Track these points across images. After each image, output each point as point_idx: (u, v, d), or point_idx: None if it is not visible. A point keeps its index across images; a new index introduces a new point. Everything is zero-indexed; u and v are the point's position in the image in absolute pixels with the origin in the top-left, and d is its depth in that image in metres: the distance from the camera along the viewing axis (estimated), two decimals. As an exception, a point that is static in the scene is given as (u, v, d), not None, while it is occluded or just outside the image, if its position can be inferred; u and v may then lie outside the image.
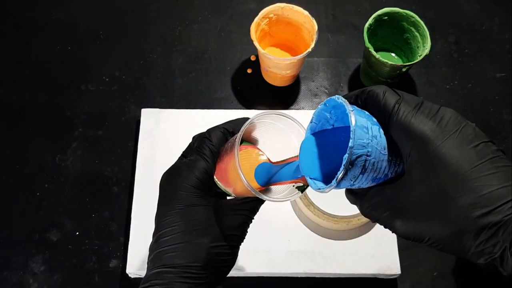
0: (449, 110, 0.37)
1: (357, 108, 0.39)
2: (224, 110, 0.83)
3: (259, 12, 0.80)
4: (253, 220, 0.48)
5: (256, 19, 0.80)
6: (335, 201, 0.67)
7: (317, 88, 0.89)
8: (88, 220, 0.78)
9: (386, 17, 0.82)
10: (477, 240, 0.34)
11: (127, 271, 0.72)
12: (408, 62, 0.83)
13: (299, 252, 0.73)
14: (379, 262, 0.72)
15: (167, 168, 0.49)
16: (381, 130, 0.39)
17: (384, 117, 0.39)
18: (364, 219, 0.70)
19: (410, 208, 0.37)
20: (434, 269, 0.76)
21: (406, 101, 0.38)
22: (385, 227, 0.40)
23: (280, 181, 0.46)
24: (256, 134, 0.48)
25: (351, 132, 0.36)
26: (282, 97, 0.88)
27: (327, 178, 0.41)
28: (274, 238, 0.73)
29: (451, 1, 0.97)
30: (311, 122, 0.43)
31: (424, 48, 0.79)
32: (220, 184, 0.47)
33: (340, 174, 0.36)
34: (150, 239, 0.47)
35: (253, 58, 0.91)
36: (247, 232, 0.47)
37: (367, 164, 0.37)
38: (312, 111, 0.43)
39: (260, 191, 0.43)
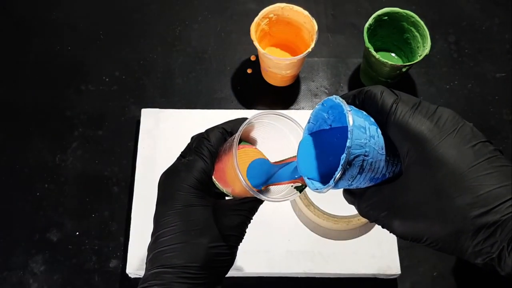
0: (447, 110, 0.37)
1: (354, 108, 0.39)
2: (224, 110, 0.83)
3: (259, 12, 0.80)
4: (252, 220, 0.48)
5: (256, 19, 0.80)
6: (335, 201, 0.67)
7: (317, 88, 0.89)
8: (88, 220, 0.78)
9: (386, 17, 0.82)
10: (475, 240, 0.34)
11: (127, 271, 0.72)
12: (408, 62, 0.83)
13: (299, 252, 0.72)
14: (379, 262, 0.72)
15: (167, 168, 0.49)
16: (378, 130, 0.39)
17: (381, 117, 0.39)
18: (364, 219, 0.70)
19: (408, 208, 0.37)
20: (434, 269, 0.76)
21: (404, 101, 0.38)
22: (383, 227, 0.40)
23: (279, 181, 0.46)
24: (254, 134, 0.48)
25: (349, 132, 0.36)
26: (282, 97, 0.88)
27: (325, 178, 0.41)
28: (274, 238, 0.73)
29: (451, 1, 0.97)
30: (308, 122, 0.43)
31: (424, 48, 0.79)
32: (219, 184, 0.47)
33: (338, 174, 0.36)
34: (149, 239, 0.47)
35: (253, 58, 0.91)
36: (245, 232, 0.47)
37: (364, 164, 0.37)
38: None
39: (258, 191, 0.43)
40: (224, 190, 0.48)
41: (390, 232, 0.39)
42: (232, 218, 0.46)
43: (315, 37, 0.78)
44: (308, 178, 0.41)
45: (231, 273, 0.72)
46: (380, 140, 0.38)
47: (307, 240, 0.73)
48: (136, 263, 0.71)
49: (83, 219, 0.78)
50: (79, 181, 0.80)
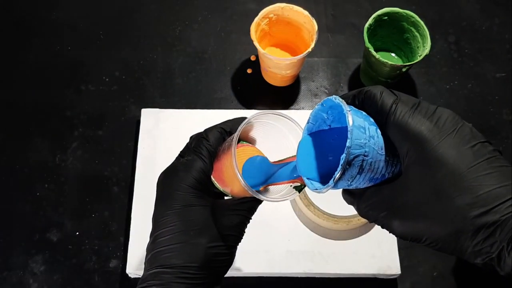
0: (446, 110, 0.37)
1: (354, 108, 0.39)
2: (224, 110, 0.83)
3: (259, 12, 0.80)
4: (252, 220, 0.48)
5: (256, 19, 0.80)
6: (335, 201, 0.67)
7: (317, 88, 0.89)
8: (88, 220, 0.78)
9: (386, 17, 0.82)
10: (475, 240, 0.34)
11: (127, 271, 0.72)
12: (408, 62, 0.83)
13: (299, 252, 0.72)
14: (379, 262, 0.72)
15: (165, 167, 0.49)
16: (378, 130, 0.39)
17: (381, 117, 0.39)
18: (364, 219, 0.70)
19: (408, 208, 0.37)
20: (434, 269, 0.76)
21: (403, 101, 0.38)
22: (382, 227, 0.40)
23: (278, 181, 0.46)
24: (253, 133, 0.48)
25: (349, 132, 0.36)
26: (282, 97, 0.88)
27: (324, 178, 0.41)
28: (274, 238, 0.73)
29: (451, 1, 0.97)
30: (308, 122, 0.43)
31: (424, 48, 0.79)
32: (218, 184, 0.47)
33: (337, 174, 0.36)
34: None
35: (253, 58, 0.91)
36: (244, 232, 0.47)
37: (364, 164, 0.37)
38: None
39: (257, 191, 0.43)
40: (223, 189, 0.48)
41: (390, 232, 0.39)
42: (231, 218, 0.46)
43: (315, 37, 0.78)
44: (308, 178, 0.41)
45: (231, 273, 0.72)
46: (380, 140, 0.38)
47: (307, 240, 0.73)
48: (136, 263, 0.71)
49: (83, 219, 0.78)
50: (79, 181, 0.80)
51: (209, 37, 0.93)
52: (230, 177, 0.45)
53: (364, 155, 0.37)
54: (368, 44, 0.79)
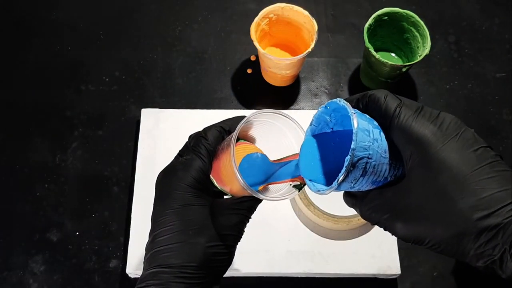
0: (449, 115, 0.38)
1: (358, 111, 0.39)
2: (224, 110, 0.83)
3: (259, 12, 0.80)
4: (252, 220, 0.48)
5: (256, 19, 0.80)
6: (335, 201, 0.67)
7: (317, 88, 0.89)
8: (88, 220, 0.78)
9: (386, 17, 0.82)
10: (477, 242, 0.34)
11: (127, 271, 0.72)
12: (408, 62, 0.83)
13: (299, 252, 0.73)
14: (379, 262, 0.72)
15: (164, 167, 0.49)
16: (382, 133, 0.39)
17: (385, 120, 0.39)
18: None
19: (410, 210, 0.37)
20: (434, 269, 0.76)
21: (407, 105, 0.39)
22: (385, 229, 0.40)
23: (278, 180, 0.46)
24: (253, 132, 0.48)
25: (354, 134, 0.36)
26: (282, 97, 0.88)
27: (326, 180, 0.41)
28: (274, 238, 0.73)
29: (451, 1, 0.97)
30: (310, 124, 0.43)
31: (424, 48, 0.79)
32: (217, 183, 0.47)
33: (341, 176, 0.37)
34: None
35: (253, 58, 0.91)
36: (244, 231, 0.47)
37: (368, 167, 0.37)
38: (312, 111, 0.43)
39: (256, 190, 0.43)
40: (222, 189, 0.47)
41: (392, 235, 0.39)
42: (230, 217, 0.46)
43: (315, 37, 0.78)
44: (310, 180, 0.42)
45: (231, 273, 0.72)
46: (383, 143, 0.38)
47: (307, 240, 0.73)
48: (136, 263, 0.71)
49: (83, 219, 0.78)
50: (79, 181, 0.80)
51: (209, 37, 0.93)
52: (229, 176, 0.45)
53: (368, 158, 0.37)
54: (368, 44, 0.79)
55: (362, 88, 0.88)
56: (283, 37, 0.86)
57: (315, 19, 0.79)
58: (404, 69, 0.79)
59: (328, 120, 0.42)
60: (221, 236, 0.45)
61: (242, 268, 0.72)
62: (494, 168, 0.35)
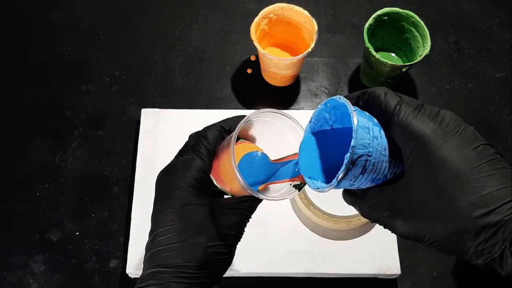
0: (449, 112, 0.38)
1: (358, 109, 0.39)
2: (224, 110, 0.83)
3: (259, 12, 0.80)
4: (252, 220, 0.48)
5: (256, 19, 0.80)
6: (335, 201, 0.67)
7: (317, 88, 0.89)
8: (88, 220, 0.78)
9: (386, 17, 0.82)
10: (477, 240, 0.34)
11: (127, 271, 0.72)
12: (408, 62, 0.83)
13: (299, 252, 0.72)
14: (379, 262, 0.72)
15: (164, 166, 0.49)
16: (381, 131, 0.39)
17: (385, 118, 0.39)
18: (364, 219, 0.70)
19: (410, 208, 0.37)
20: (434, 269, 0.76)
21: (407, 103, 0.39)
22: (384, 227, 0.40)
23: (278, 179, 0.46)
24: (253, 132, 0.48)
25: (354, 132, 0.36)
26: (282, 97, 0.88)
27: (325, 178, 0.41)
28: (274, 238, 0.73)
29: (451, 1, 0.97)
30: (310, 122, 0.43)
31: (424, 48, 0.79)
32: (217, 182, 0.47)
33: (341, 173, 0.37)
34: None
35: (253, 58, 0.91)
36: (244, 231, 0.47)
37: (367, 164, 0.37)
38: (312, 111, 0.43)
39: (257, 190, 0.43)
40: (222, 188, 0.47)
41: (392, 232, 0.39)
42: (230, 217, 0.46)
43: (315, 37, 0.78)
44: (309, 178, 0.41)
45: (231, 273, 0.72)
46: (383, 141, 0.38)
47: (307, 240, 0.73)
48: (136, 263, 0.71)
49: (83, 219, 0.78)
50: (79, 181, 0.80)
51: (209, 37, 0.93)
52: (229, 176, 0.45)
53: (368, 155, 0.37)
54: (368, 44, 0.79)
55: (362, 88, 0.87)
56: (283, 37, 0.86)
57: (315, 19, 0.79)
58: (404, 69, 0.79)
59: (328, 117, 0.42)
60: (221, 236, 0.45)
61: (242, 268, 0.72)
62: (494, 165, 0.35)
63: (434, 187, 0.36)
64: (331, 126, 0.43)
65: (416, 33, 0.81)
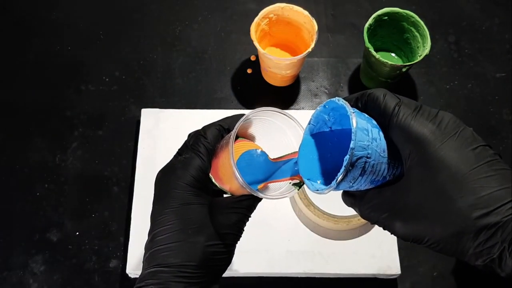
0: (448, 113, 0.38)
1: (357, 110, 0.39)
2: (224, 110, 0.83)
3: (259, 12, 0.80)
4: (252, 220, 0.48)
5: (256, 19, 0.80)
6: (335, 201, 0.67)
7: (317, 88, 0.89)
8: (88, 220, 0.78)
9: (386, 17, 0.82)
10: (476, 241, 0.34)
11: (127, 271, 0.72)
12: (408, 62, 0.83)
13: (299, 252, 0.73)
14: (379, 262, 0.72)
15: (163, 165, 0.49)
16: (380, 132, 0.39)
17: (384, 119, 0.39)
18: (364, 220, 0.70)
19: (410, 209, 0.37)
20: (434, 269, 0.76)
21: (406, 104, 0.39)
22: (384, 228, 0.40)
23: (278, 178, 0.46)
24: (252, 131, 0.48)
25: (353, 134, 0.36)
26: (282, 97, 0.88)
27: (325, 179, 0.41)
28: (274, 238, 0.73)
29: (451, 1, 0.97)
30: (309, 123, 0.43)
31: (424, 48, 0.79)
32: (216, 181, 0.47)
33: (340, 175, 0.37)
34: (148, 239, 0.47)
35: (253, 58, 0.91)
36: (243, 230, 0.47)
37: (366, 166, 0.37)
38: (312, 111, 0.43)
39: (256, 189, 0.43)
40: (222, 187, 0.47)
41: (391, 234, 0.39)
42: (229, 216, 0.46)
43: (315, 37, 0.78)
44: (308, 179, 0.41)
45: (231, 273, 0.72)
46: (382, 142, 0.38)
47: (307, 240, 0.73)
48: (136, 263, 0.71)
49: (83, 219, 0.78)
50: (79, 181, 0.80)
51: (209, 37, 0.93)
52: (228, 175, 0.45)
53: (367, 157, 0.37)
54: (368, 44, 0.79)
55: (362, 88, 0.88)
56: (283, 37, 0.86)
57: (315, 19, 0.79)
58: (404, 69, 0.79)
59: (327, 119, 0.42)
60: (220, 235, 0.45)
61: (242, 268, 0.72)
62: (493, 166, 0.35)
63: (433, 188, 0.36)
64: (330, 127, 0.43)
65: (416, 33, 0.81)
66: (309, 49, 0.77)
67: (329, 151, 0.42)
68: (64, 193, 0.80)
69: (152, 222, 0.46)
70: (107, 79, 0.89)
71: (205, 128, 0.48)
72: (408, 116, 0.38)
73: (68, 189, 0.80)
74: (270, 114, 0.45)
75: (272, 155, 0.47)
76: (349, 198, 0.43)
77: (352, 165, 0.36)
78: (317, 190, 0.40)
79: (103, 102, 0.87)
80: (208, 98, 0.87)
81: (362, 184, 0.39)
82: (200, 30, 0.94)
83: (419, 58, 0.78)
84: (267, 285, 0.74)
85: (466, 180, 0.35)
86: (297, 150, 0.44)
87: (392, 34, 0.84)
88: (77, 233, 0.77)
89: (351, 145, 0.36)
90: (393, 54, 0.88)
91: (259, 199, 0.47)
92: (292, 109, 0.87)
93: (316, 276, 0.73)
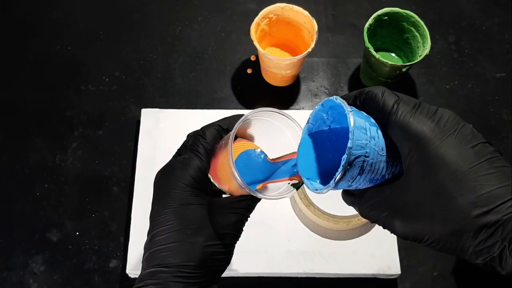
0: (447, 110, 0.38)
1: (355, 109, 0.39)
2: (224, 110, 0.83)
3: (259, 12, 0.80)
4: (252, 220, 0.48)
5: (256, 19, 0.80)
6: (335, 201, 0.67)
7: (317, 88, 0.89)
8: (88, 220, 0.78)
9: (386, 17, 0.82)
10: (476, 239, 0.34)
11: (127, 271, 0.72)
12: (408, 62, 0.83)
13: (299, 252, 0.72)
14: (379, 262, 0.72)
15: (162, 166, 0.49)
16: (379, 131, 0.39)
17: (383, 117, 0.39)
18: (364, 219, 0.70)
19: (409, 207, 0.37)
20: (434, 269, 0.76)
21: (405, 102, 0.38)
22: (383, 227, 0.40)
23: (277, 178, 0.46)
24: (251, 131, 0.48)
25: (350, 133, 0.36)
26: (282, 97, 0.88)
27: (324, 179, 0.41)
28: (274, 238, 0.73)
29: (451, 1, 0.97)
30: (307, 122, 0.43)
31: (424, 48, 0.79)
32: (215, 182, 0.47)
33: (338, 175, 0.36)
34: (147, 239, 0.47)
35: (253, 58, 0.91)
36: (242, 230, 0.47)
37: (365, 165, 0.37)
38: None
39: (255, 190, 0.43)
40: (221, 187, 0.47)
41: (391, 232, 0.39)
42: (228, 216, 0.46)
43: (315, 37, 0.78)
44: (307, 179, 0.41)
45: (231, 273, 0.72)
46: (381, 141, 0.38)
47: (307, 240, 0.73)
48: (136, 263, 0.71)
49: (83, 219, 0.78)
50: (79, 181, 0.80)
51: (209, 37, 0.93)
52: (227, 175, 0.45)
53: (365, 156, 0.37)
54: (368, 44, 0.79)
55: (362, 88, 0.88)
56: (283, 37, 0.86)
57: (315, 19, 0.79)
58: (404, 69, 0.79)
59: (325, 117, 0.42)
60: (219, 235, 0.45)
61: (241, 268, 0.72)
62: (493, 164, 0.35)
63: (433, 186, 0.36)
64: (329, 126, 0.43)
65: (416, 33, 0.81)
66: (309, 49, 0.77)
67: (328, 150, 0.42)
68: (64, 193, 0.80)
69: (151, 222, 0.46)
70: (107, 79, 0.89)
71: (204, 128, 0.48)
72: (407, 114, 0.37)
73: (68, 189, 0.80)
74: (269, 115, 0.45)
75: (271, 155, 0.47)
76: (349, 196, 0.43)
77: (350, 164, 0.36)
78: (316, 189, 0.40)
79: (103, 102, 0.87)
80: (208, 98, 0.87)
81: (361, 183, 0.39)
82: (200, 30, 0.94)
83: (419, 58, 0.78)
84: (267, 285, 0.74)
85: (465, 178, 0.34)
86: (296, 150, 0.44)
87: (392, 34, 0.84)
88: (77, 233, 0.77)
89: (349, 144, 0.36)
90: (393, 54, 0.88)
91: (258, 199, 0.47)
92: (292, 109, 0.87)
93: (316, 276, 0.73)
